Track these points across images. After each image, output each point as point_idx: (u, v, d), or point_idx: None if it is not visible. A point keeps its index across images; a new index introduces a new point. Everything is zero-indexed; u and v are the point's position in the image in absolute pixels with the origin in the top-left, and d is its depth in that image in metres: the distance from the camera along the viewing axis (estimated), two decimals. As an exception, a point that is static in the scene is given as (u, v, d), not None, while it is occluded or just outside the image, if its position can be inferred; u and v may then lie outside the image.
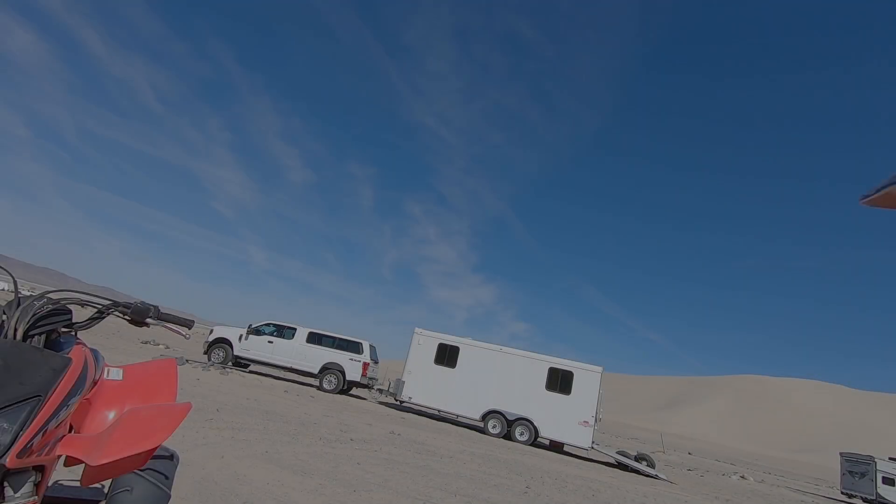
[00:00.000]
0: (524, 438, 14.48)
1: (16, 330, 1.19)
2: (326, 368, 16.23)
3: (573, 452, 15.76)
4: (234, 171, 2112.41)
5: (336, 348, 16.53)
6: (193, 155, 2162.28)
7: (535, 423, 14.56)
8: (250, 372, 16.94)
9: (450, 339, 16.17)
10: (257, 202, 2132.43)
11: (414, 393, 15.76)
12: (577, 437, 14.18)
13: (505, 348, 15.85)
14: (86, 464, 1.24)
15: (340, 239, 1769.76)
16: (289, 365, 16.35)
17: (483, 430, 14.96)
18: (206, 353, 16.36)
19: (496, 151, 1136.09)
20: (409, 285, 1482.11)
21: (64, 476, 1.87)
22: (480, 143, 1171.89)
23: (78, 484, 1.47)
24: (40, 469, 1.14)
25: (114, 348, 13.82)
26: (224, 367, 15.40)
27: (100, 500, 1.57)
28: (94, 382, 1.38)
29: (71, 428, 1.34)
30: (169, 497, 1.50)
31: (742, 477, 21.35)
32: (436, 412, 16.96)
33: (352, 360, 16.32)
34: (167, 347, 19.74)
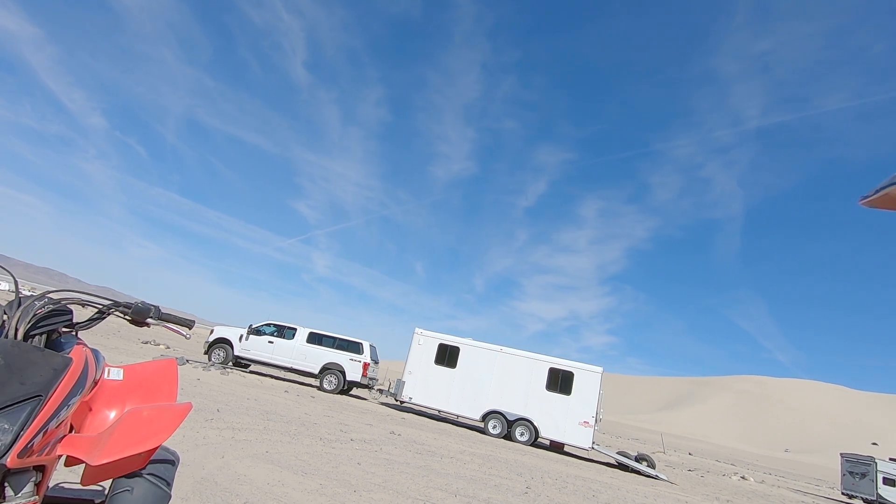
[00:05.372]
0: (524, 439, 14.48)
1: (17, 330, 1.19)
2: (327, 368, 16.24)
3: (573, 453, 15.76)
4: (356, 164, 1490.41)
5: (336, 348, 16.54)
6: (311, 143, 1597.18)
7: (536, 424, 14.56)
8: (251, 372, 16.94)
9: (450, 340, 16.16)
10: (361, 202, 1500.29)
11: (414, 393, 15.75)
12: (578, 437, 14.18)
13: (505, 348, 15.83)
14: (86, 464, 1.24)
15: (447, 247, 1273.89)
16: (289, 365, 16.36)
17: (483, 431, 14.95)
18: (206, 353, 16.37)
19: (815, 120, 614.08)
20: (495, 297, 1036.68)
21: (64, 476, 1.88)
22: (793, 104, 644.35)
23: (78, 484, 1.48)
24: (41, 469, 1.15)
25: (114, 348, 13.82)
26: (224, 368, 15.40)
27: (100, 501, 1.57)
28: (95, 382, 1.38)
29: (71, 428, 1.34)
30: (169, 497, 1.50)
31: (742, 477, 21.33)
32: (436, 412, 16.96)
33: (352, 360, 16.33)
34: (168, 347, 19.75)
